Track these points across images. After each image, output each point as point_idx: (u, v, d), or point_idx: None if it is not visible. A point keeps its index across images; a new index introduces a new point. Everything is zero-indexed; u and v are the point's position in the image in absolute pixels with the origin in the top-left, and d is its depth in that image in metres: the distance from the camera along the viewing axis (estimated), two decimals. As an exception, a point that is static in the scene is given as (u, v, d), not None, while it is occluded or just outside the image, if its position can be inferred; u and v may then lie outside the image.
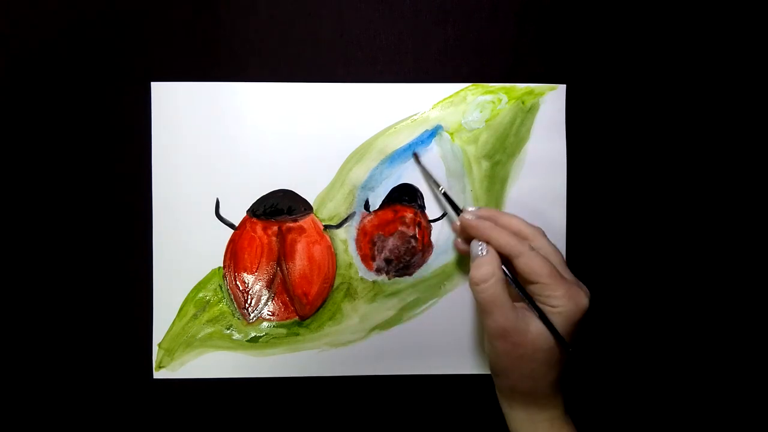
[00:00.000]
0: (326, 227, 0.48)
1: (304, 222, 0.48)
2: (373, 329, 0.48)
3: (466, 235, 0.44)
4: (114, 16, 0.47)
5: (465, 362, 0.49)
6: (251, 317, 0.48)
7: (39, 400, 0.48)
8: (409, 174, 0.49)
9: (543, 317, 0.39)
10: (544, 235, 0.43)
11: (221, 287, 0.48)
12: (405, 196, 0.48)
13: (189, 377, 0.48)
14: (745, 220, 0.49)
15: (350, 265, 0.48)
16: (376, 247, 0.48)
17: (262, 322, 0.48)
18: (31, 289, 0.48)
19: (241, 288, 0.48)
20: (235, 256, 0.48)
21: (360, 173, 0.48)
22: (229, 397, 0.48)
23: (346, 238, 0.48)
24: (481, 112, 0.49)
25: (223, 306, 0.48)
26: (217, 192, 0.48)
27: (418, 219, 0.49)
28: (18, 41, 0.47)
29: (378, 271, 0.48)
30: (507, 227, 0.42)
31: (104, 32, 0.47)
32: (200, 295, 0.48)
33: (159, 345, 0.48)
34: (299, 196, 0.48)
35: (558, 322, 0.39)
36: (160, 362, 0.48)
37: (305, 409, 0.49)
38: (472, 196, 0.49)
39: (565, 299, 0.39)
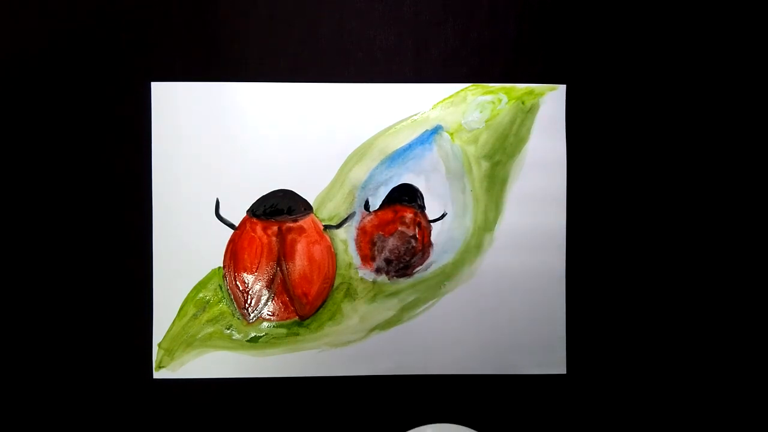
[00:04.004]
0: (326, 227, 0.48)
1: (304, 222, 0.48)
2: (373, 329, 0.48)
3: None
4: (114, 16, 0.47)
5: (465, 362, 0.49)
6: (251, 317, 0.48)
7: (39, 400, 0.48)
8: (410, 174, 0.49)
9: None
10: None
11: (221, 287, 0.48)
12: (405, 196, 0.48)
13: (189, 377, 0.48)
14: (746, 218, 0.49)
15: (350, 265, 0.48)
16: (376, 247, 0.48)
17: (262, 322, 0.48)
18: (30, 289, 0.48)
19: (241, 288, 0.48)
20: (235, 256, 0.48)
21: (360, 173, 0.48)
22: (229, 397, 0.48)
23: (346, 238, 0.48)
24: (481, 112, 0.49)
25: (223, 306, 0.48)
26: (217, 192, 0.48)
27: (418, 219, 0.49)
28: (18, 41, 0.47)
29: (378, 271, 0.48)
30: None
31: (104, 32, 0.47)
32: (200, 295, 0.48)
33: (159, 345, 0.48)
34: (299, 196, 0.48)
35: None
36: (160, 362, 0.48)
37: (305, 409, 0.49)
38: (472, 196, 0.49)
39: None
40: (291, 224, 0.48)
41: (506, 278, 0.49)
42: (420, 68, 0.48)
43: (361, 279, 0.48)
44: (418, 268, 0.49)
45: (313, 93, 0.48)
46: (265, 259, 0.48)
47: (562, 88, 0.49)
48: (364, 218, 0.49)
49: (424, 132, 0.48)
